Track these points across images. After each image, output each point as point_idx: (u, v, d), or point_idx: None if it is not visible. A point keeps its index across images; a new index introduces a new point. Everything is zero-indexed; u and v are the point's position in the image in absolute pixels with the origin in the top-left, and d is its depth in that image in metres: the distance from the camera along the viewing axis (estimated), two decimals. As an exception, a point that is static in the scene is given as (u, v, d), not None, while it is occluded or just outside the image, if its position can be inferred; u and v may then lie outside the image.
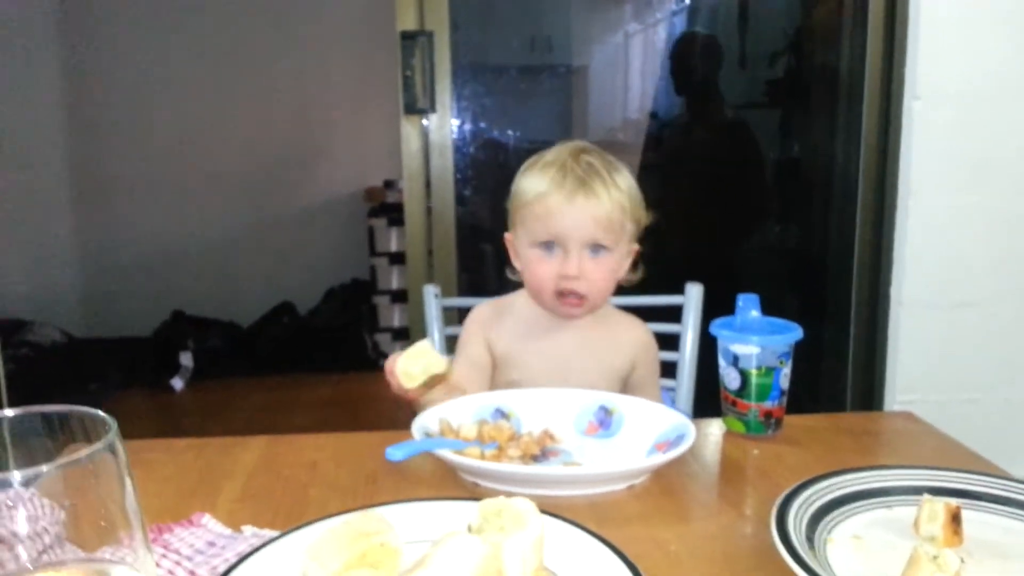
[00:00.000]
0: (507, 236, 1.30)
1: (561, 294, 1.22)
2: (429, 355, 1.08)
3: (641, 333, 1.34)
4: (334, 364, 4.13)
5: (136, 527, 0.56)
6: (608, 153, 1.28)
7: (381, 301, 4.33)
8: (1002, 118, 1.94)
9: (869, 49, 2.08)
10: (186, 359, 4.09)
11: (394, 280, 4.26)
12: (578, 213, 1.19)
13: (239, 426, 3.51)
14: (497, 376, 1.31)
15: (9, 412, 0.58)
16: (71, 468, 0.52)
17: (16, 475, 0.51)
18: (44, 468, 0.51)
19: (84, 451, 0.52)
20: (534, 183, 1.22)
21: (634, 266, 1.30)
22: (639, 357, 1.32)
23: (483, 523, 0.74)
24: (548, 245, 1.22)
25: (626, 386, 1.32)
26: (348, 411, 3.68)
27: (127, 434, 0.57)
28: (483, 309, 1.36)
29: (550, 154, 1.25)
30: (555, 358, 1.29)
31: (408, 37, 1.99)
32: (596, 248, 1.21)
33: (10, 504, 0.54)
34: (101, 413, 0.56)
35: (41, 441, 0.58)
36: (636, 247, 1.29)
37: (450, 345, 1.48)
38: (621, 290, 1.42)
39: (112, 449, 0.54)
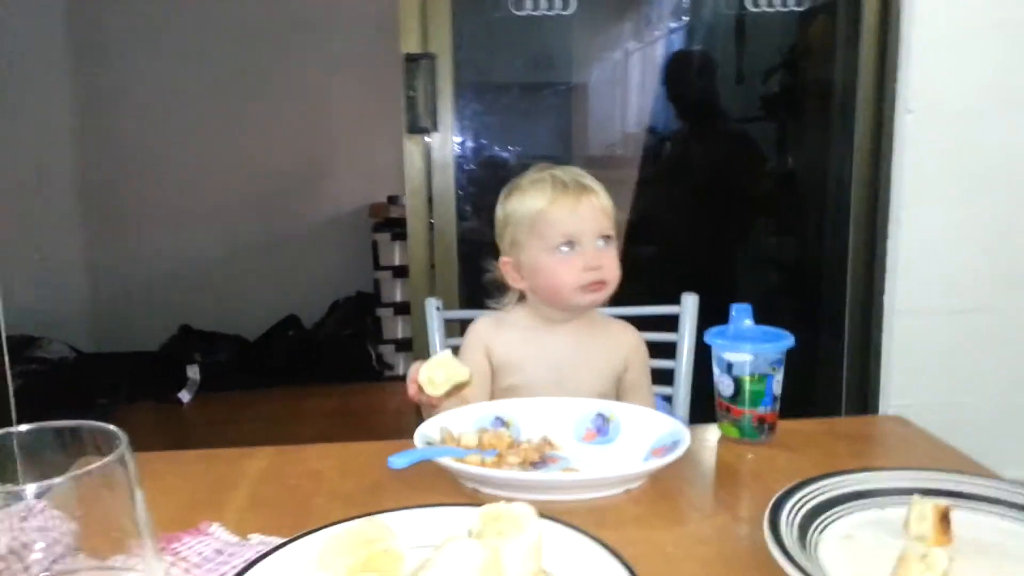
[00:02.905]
0: (503, 261, 1.37)
1: (588, 286, 1.30)
2: (452, 364, 1.11)
3: (631, 336, 1.40)
4: (339, 376, 4.15)
5: (146, 536, 0.57)
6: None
7: (385, 313, 4.36)
8: (993, 131, 1.97)
9: (862, 64, 2.11)
10: (193, 372, 4.11)
11: (397, 293, 4.29)
12: (587, 210, 1.29)
13: (246, 438, 3.51)
14: (497, 382, 1.36)
15: (23, 427, 0.59)
16: (83, 480, 0.53)
17: (30, 488, 0.52)
18: (56, 481, 0.52)
19: (95, 464, 0.53)
20: (532, 201, 1.32)
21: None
22: (631, 359, 1.37)
23: (483, 528, 0.76)
24: (567, 246, 1.30)
25: (620, 387, 1.37)
26: (353, 421, 3.70)
27: (136, 447, 0.58)
28: (483, 321, 1.40)
29: (529, 177, 1.35)
30: (551, 362, 1.34)
31: (412, 59, 2.03)
32: (606, 239, 1.31)
33: (23, 516, 0.56)
34: (111, 427, 0.58)
35: (53, 454, 0.60)
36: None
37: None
38: (619, 301, 1.45)
39: (122, 462, 0.55)
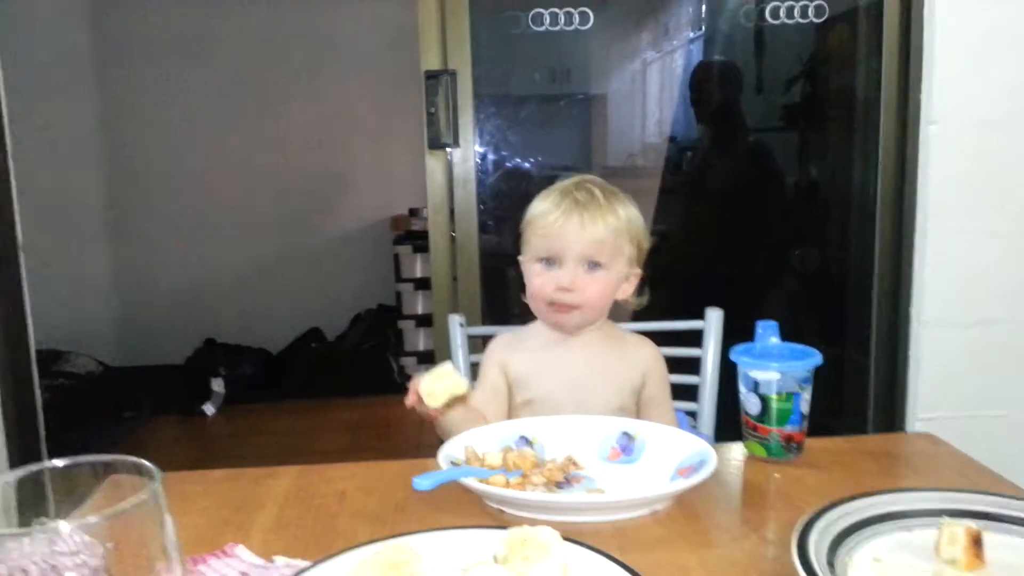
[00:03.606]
0: (520, 259, 1.37)
1: (552, 304, 1.29)
2: (452, 377, 1.12)
3: (649, 349, 1.39)
4: (361, 388, 4.17)
5: (175, 561, 0.58)
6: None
7: (407, 326, 4.37)
8: (1018, 141, 1.95)
9: (884, 74, 2.09)
10: (218, 385, 4.15)
11: (419, 305, 4.31)
12: (573, 230, 1.27)
13: (269, 450, 3.55)
14: (514, 397, 1.35)
15: (59, 463, 0.60)
16: (115, 517, 0.54)
17: (63, 525, 0.52)
18: (90, 520, 0.53)
19: (128, 501, 0.54)
20: (538, 204, 1.33)
21: (640, 290, 1.36)
22: (649, 372, 1.36)
23: (509, 553, 0.76)
24: (548, 261, 1.30)
25: (639, 402, 1.36)
26: (375, 434, 3.72)
27: (161, 459, 0.59)
28: (501, 338, 1.41)
29: (558, 184, 1.35)
30: (568, 377, 1.33)
31: (432, 76, 2.05)
32: (592, 265, 1.29)
33: (51, 539, 0.56)
34: (146, 463, 0.58)
35: (85, 477, 0.61)
36: (638, 271, 1.35)
37: (475, 371, 1.51)
38: (641, 316, 1.45)
39: (155, 497, 0.56)
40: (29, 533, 0.54)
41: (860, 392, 2.24)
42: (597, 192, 1.30)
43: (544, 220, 1.29)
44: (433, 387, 1.11)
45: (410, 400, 1.14)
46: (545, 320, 1.34)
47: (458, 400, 1.13)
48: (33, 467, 0.60)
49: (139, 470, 0.58)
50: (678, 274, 2.50)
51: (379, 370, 4.29)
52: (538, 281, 1.30)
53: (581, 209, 1.27)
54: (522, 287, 1.37)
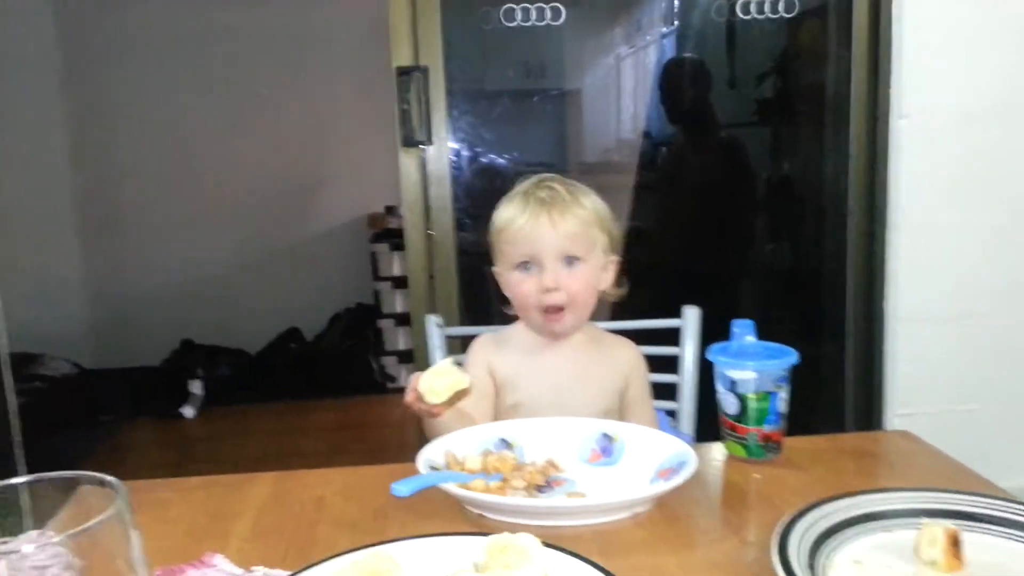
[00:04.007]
0: (495, 270, 1.36)
1: (545, 311, 1.29)
2: (453, 372, 1.11)
3: (631, 352, 1.39)
4: (341, 388, 4.15)
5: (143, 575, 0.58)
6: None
7: (386, 324, 4.35)
8: (988, 135, 1.97)
9: (854, 69, 2.11)
10: (196, 387, 4.11)
11: (398, 304, 4.29)
12: (544, 230, 1.27)
13: (249, 452, 3.52)
14: (500, 400, 1.35)
15: (23, 479, 0.60)
16: (81, 536, 0.54)
17: (27, 547, 0.52)
18: (55, 538, 0.53)
19: (93, 520, 0.54)
20: (503, 212, 1.32)
21: (618, 280, 1.36)
22: (631, 375, 1.37)
23: (489, 560, 0.76)
24: (525, 265, 1.29)
25: (622, 404, 1.36)
26: (356, 434, 3.70)
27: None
28: (485, 339, 1.40)
29: (518, 186, 1.35)
30: (552, 380, 1.33)
31: (404, 72, 2.03)
32: (570, 260, 1.28)
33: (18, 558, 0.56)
34: (109, 478, 0.58)
35: (51, 488, 0.61)
36: (615, 258, 1.35)
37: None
38: (619, 313, 1.44)
39: (121, 514, 0.56)
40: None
41: (837, 388, 2.25)
42: (559, 188, 1.30)
43: (514, 226, 1.28)
44: (434, 383, 1.10)
45: (409, 397, 1.13)
46: (538, 329, 1.33)
47: (461, 395, 1.11)
48: (-2, 484, 0.60)
49: (103, 485, 0.58)
50: (653, 270, 2.51)
51: (359, 370, 4.27)
52: (523, 289, 1.29)
53: (548, 207, 1.27)
54: (500, 295, 1.36)
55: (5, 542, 0.56)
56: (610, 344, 1.39)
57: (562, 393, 1.31)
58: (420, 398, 1.11)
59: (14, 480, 0.59)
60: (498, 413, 1.33)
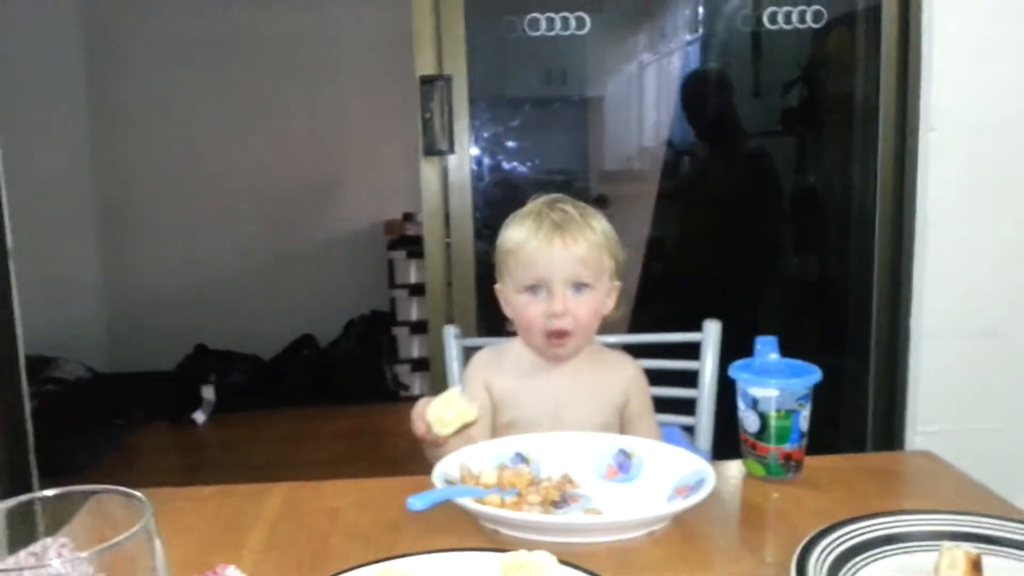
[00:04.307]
0: (496, 288, 1.36)
1: (549, 335, 1.28)
2: (460, 403, 1.11)
3: (630, 368, 1.38)
4: (355, 396, 4.14)
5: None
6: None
7: (401, 332, 4.35)
8: (1017, 148, 1.94)
9: (883, 80, 2.08)
10: (208, 393, 4.12)
11: (414, 311, 4.28)
12: (557, 254, 1.25)
13: (261, 459, 3.52)
14: (497, 417, 1.34)
15: (51, 492, 0.60)
16: (106, 552, 0.54)
17: (55, 563, 0.53)
18: (82, 554, 0.53)
19: (121, 535, 0.54)
20: (514, 233, 1.30)
21: (617, 302, 1.35)
22: (631, 391, 1.36)
23: (505, 577, 0.75)
24: (534, 289, 1.28)
25: (623, 418, 1.35)
26: (369, 443, 3.69)
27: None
28: (482, 355, 1.40)
29: (526, 207, 1.33)
30: (550, 398, 1.32)
31: (427, 81, 2.03)
32: (579, 286, 1.27)
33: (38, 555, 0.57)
34: (138, 494, 0.58)
35: (73, 500, 0.61)
36: (618, 284, 1.34)
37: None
38: (637, 327, 1.43)
39: (147, 529, 0.56)
40: (20, 570, 0.55)
41: (859, 404, 2.22)
42: (571, 210, 1.29)
43: (526, 248, 1.27)
44: (442, 414, 1.09)
45: (419, 430, 1.13)
46: (539, 351, 1.32)
47: (467, 427, 1.11)
48: (23, 498, 0.61)
49: (128, 498, 0.59)
50: (675, 280, 2.49)
51: (373, 377, 4.26)
52: (531, 313, 1.28)
53: (562, 231, 1.26)
54: (502, 312, 1.36)
55: (35, 554, 0.56)
56: (609, 361, 1.39)
57: (559, 411, 1.31)
58: (428, 428, 1.10)
59: (41, 493, 0.60)
60: (494, 430, 1.32)
